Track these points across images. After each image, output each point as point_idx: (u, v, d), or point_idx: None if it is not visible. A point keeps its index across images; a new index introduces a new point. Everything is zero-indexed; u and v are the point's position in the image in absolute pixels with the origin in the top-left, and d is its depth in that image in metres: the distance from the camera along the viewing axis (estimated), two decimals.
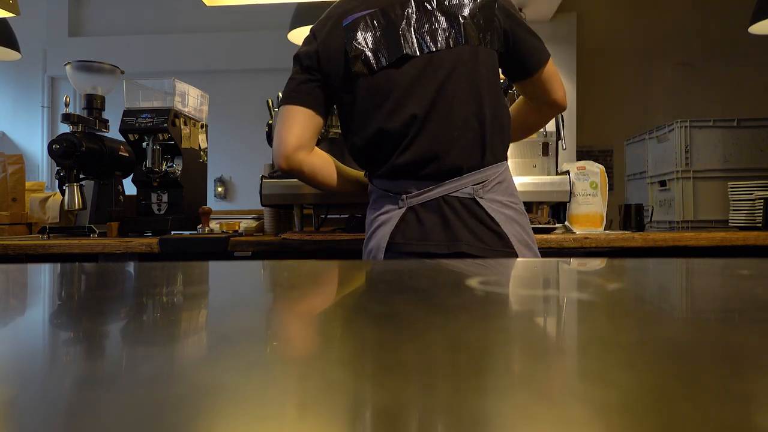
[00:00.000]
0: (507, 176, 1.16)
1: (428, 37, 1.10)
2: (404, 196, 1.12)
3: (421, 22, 1.10)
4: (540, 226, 1.59)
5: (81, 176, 1.88)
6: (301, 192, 1.75)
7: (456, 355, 0.24)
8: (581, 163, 1.71)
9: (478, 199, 1.10)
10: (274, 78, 4.91)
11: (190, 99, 2.02)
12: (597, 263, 0.85)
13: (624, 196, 3.10)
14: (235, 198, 5.24)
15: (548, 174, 1.77)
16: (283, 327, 0.33)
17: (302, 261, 0.71)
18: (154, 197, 1.93)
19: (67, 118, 1.86)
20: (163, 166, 1.88)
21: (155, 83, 1.95)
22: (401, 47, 1.10)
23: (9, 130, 5.35)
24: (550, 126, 1.75)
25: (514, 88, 1.64)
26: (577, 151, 4.10)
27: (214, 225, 1.87)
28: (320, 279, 0.59)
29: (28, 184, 2.39)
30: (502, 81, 1.36)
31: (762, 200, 1.76)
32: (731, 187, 1.95)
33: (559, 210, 1.80)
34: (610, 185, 3.49)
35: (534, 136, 1.70)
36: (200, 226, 1.85)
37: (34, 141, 5.30)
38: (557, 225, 1.68)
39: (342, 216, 2.01)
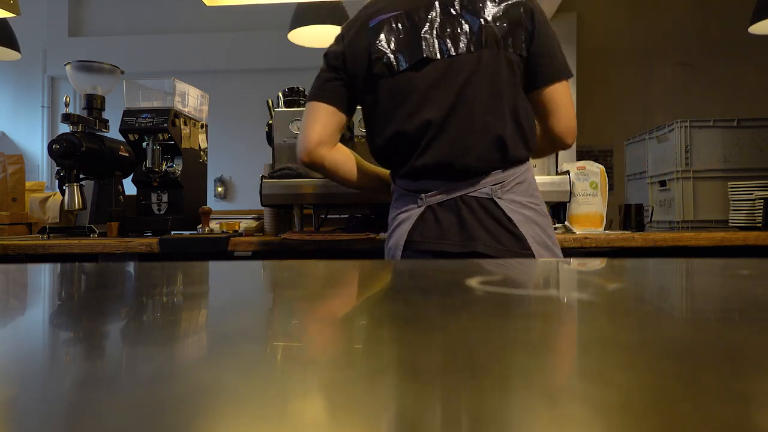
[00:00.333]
0: (528, 177, 1.15)
1: (450, 41, 1.10)
2: (423, 195, 1.13)
3: (444, 26, 1.11)
4: None
5: (81, 176, 1.88)
6: (301, 192, 1.75)
7: (454, 355, 0.24)
8: (581, 163, 1.71)
9: (496, 200, 1.10)
10: (274, 78, 4.91)
11: (190, 99, 2.02)
12: (597, 263, 0.85)
13: (624, 196, 3.10)
14: (235, 198, 5.24)
15: (548, 174, 1.77)
16: (286, 327, 0.33)
17: (303, 261, 0.71)
18: (154, 197, 1.93)
19: (67, 118, 1.86)
20: (163, 166, 1.88)
21: (155, 83, 1.95)
22: (421, 50, 1.10)
23: (9, 130, 5.35)
24: None
25: None
26: (577, 151, 4.10)
27: (214, 225, 1.87)
28: (320, 279, 0.59)
29: (28, 184, 2.39)
30: None
31: (762, 200, 1.76)
32: (731, 187, 1.95)
33: (559, 210, 1.80)
34: (610, 185, 3.49)
35: None
36: (200, 226, 1.85)
37: (34, 141, 5.30)
38: (557, 225, 1.68)
39: (342, 216, 2.01)
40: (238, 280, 0.60)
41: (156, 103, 1.92)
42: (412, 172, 1.13)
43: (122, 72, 2.04)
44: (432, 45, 1.10)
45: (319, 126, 1.17)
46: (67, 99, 1.94)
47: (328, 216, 1.96)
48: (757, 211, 1.80)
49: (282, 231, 1.80)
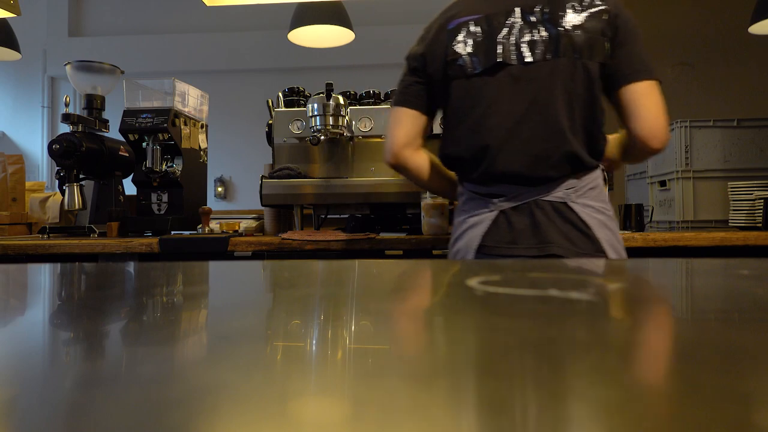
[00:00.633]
0: (599, 183, 1.15)
1: (526, 48, 1.10)
2: (495, 200, 1.13)
3: (522, 32, 1.11)
4: None
5: (81, 176, 1.88)
6: (301, 192, 1.75)
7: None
8: None
9: (570, 203, 1.10)
10: (274, 78, 4.92)
11: (190, 99, 2.02)
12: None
13: (624, 196, 3.10)
14: (235, 198, 5.24)
15: None
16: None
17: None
18: (154, 197, 1.93)
19: (67, 118, 1.86)
20: (163, 166, 1.88)
21: (155, 83, 1.95)
22: (496, 54, 1.11)
23: (9, 130, 5.35)
24: None
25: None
26: None
27: (214, 225, 1.87)
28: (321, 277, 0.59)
29: (28, 184, 2.39)
30: None
31: (762, 200, 1.76)
32: (731, 187, 1.95)
33: None
34: (610, 185, 3.49)
35: None
36: (200, 226, 1.85)
37: (34, 141, 5.30)
38: None
39: (342, 216, 2.01)
40: (240, 280, 0.60)
41: (156, 103, 1.92)
42: (484, 177, 1.14)
43: (122, 72, 2.04)
44: (508, 50, 1.11)
45: (403, 130, 1.22)
46: (67, 99, 1.94)
47: (328, 216, 1.96)
48: (757, 211, 1.80)
49: (282, 231, 1.80)
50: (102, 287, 0.56)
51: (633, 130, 1.10)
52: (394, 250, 1.55)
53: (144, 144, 1.87)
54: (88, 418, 0.16)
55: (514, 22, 1.12)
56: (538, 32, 1.10)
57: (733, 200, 1.92)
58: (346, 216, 1.78)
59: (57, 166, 1.85)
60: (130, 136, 1.87)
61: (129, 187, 2.02)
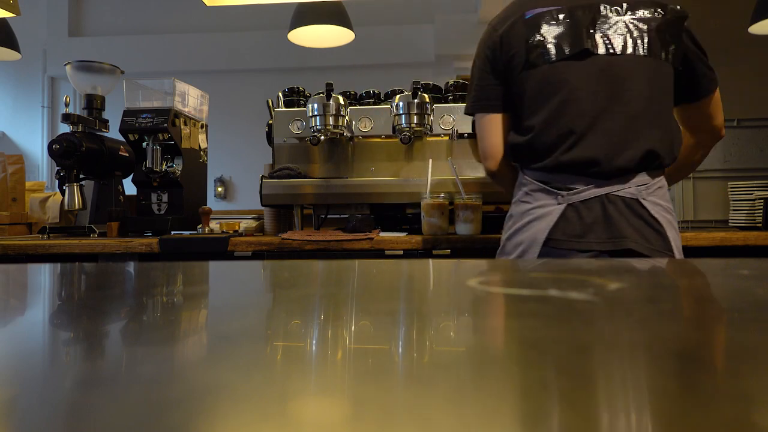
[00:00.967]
0: (665, 183, 1.16)
1: (612, 40, 1.11)
2: (564, 192, 1.12)
3: (605, 25, 1.12)
4: None
5: (81, 176, 1.88)
6: (301, 192, 1.75)
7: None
8: None
9: (642, 200, 1.10)
10: (274, 78, 4.92)
11: (190, 99, 2.02)
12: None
13: None
14: (235, 198, 5.24)
15: None
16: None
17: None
18: (154, 197, 1.93)
19: (67, 118, 1.86)
20: (163, 166, 1.88)
21: (155, 83, 1.95)
22: (583, 42, 1.11)
23: (9, 130, 5.35)
24: None
25: None
26: None
27: (214, 225, 1.87)
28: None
29: (28, 184, 2.39)
30: None
31: (762, 200, 1.76)
32: (731, 187, 1.95)
33: None
34: None
35: None
36: (200, 226, 1.85)
37: (34, 141, 5.30)
38: None
39: (342, 216, 2.01)
40: (241, 280, 0.60)
41: (156, 103, 1.92)
42: (557, 165, 1.12)
43: (122, 72, 2.04)
44: (594, 40, 1.12)
45: (499, 136, 1.23)
46: (67, 99, 1.94)
47: (328, 216, 1.96)
48: (757, 211, 1.80)
49: (282, 231, 1.80)
50: (102, 287, 0.56)
51: (715, 126, 1.25)
52: (394, 250, 1.55)
53: (144, 144, 1.87)
54: (88, 418, 0.16)
55: (598, 15, 1.13)
56: (623, 28, 1.12)
57: (733, 200, 1.93)
58: (346, 216, 1.78)
59: (57, 166, 1.85)
60: (130, 136, 1.87)
61: (129, 187, 2.02)
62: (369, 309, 0.38)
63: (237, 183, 5.23)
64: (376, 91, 1.97)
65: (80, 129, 1.87)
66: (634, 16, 1.13)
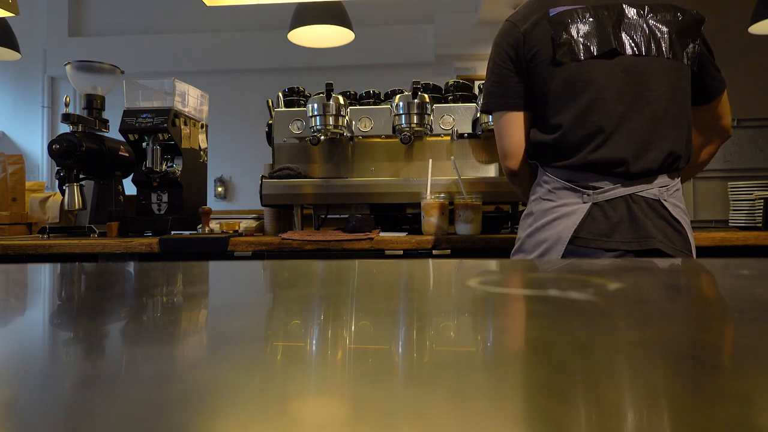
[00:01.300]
0: (680, 185, 1.18)
1: (637, 41, 1.12)
2: (590, 191, 1.12)
3: (630, 26, 1.13)
4: None
5: (81, 176, 1.88)
6: (301, 192, 1.75)
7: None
8: None
9: (663, 201, 1.11)
10: (274, 78, 4.92)
11: (190, 99, 2.02)
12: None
13: None
14: (235, 198, 5.24)
15: None
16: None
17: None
18: (154, 197, 1.93)
19: (67, 118, 1.86)
20: (163, 166, 1.88)
21: (155, 83, 1.95)
22: (610, 41, 1.12)
23: (9, 130, 5.35)
24: None
25: None
26: None
27: (214, 225, 1.87)
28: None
29: (28, 184, 2.39)
30: None
31: (762, 200, 1.76)
32: (731, 187, 1.95)
33: None
34: None
35: None
36: (200, 226, 1.85)
37: (34, 141, 5.30)
38: None
39: (342, 216, 2.01)
40: (242, 280, 0.60)
41: (156, 103, 1.92)
42: (584, 164, 1.12)
43: (122, 72, 2.04)
44: (621, 39, 1.12)
45: (519, 135, 1.21)
46: (67, 99, 1.94)
47: (328, 216, 1.96)
48: (757, 211, 1.80)
49: (282, 231, 1.80)
50: (102, 287, 0.56)
51: (724, 126, 1.28)
52: (394, 250, 1.55)
53: (144, 144, 1.87)
54: (88, 418, 0.16)
55: (621, 17, 1.14)
56: (647, 30, 1.13)
57: (733, 200, 1.92)
58: (346, 216, 1.78)
59: (57, 166, 1.85)
60: (130, 136, 1.87)
61: (129, 187, 2.02)
62: (369, 309, 0.38)
63: (237, 183, 5.23)
64: (376, 91, 1.97)
65: (80, 129, 1.87)
66: (655, 18, 1.14)
